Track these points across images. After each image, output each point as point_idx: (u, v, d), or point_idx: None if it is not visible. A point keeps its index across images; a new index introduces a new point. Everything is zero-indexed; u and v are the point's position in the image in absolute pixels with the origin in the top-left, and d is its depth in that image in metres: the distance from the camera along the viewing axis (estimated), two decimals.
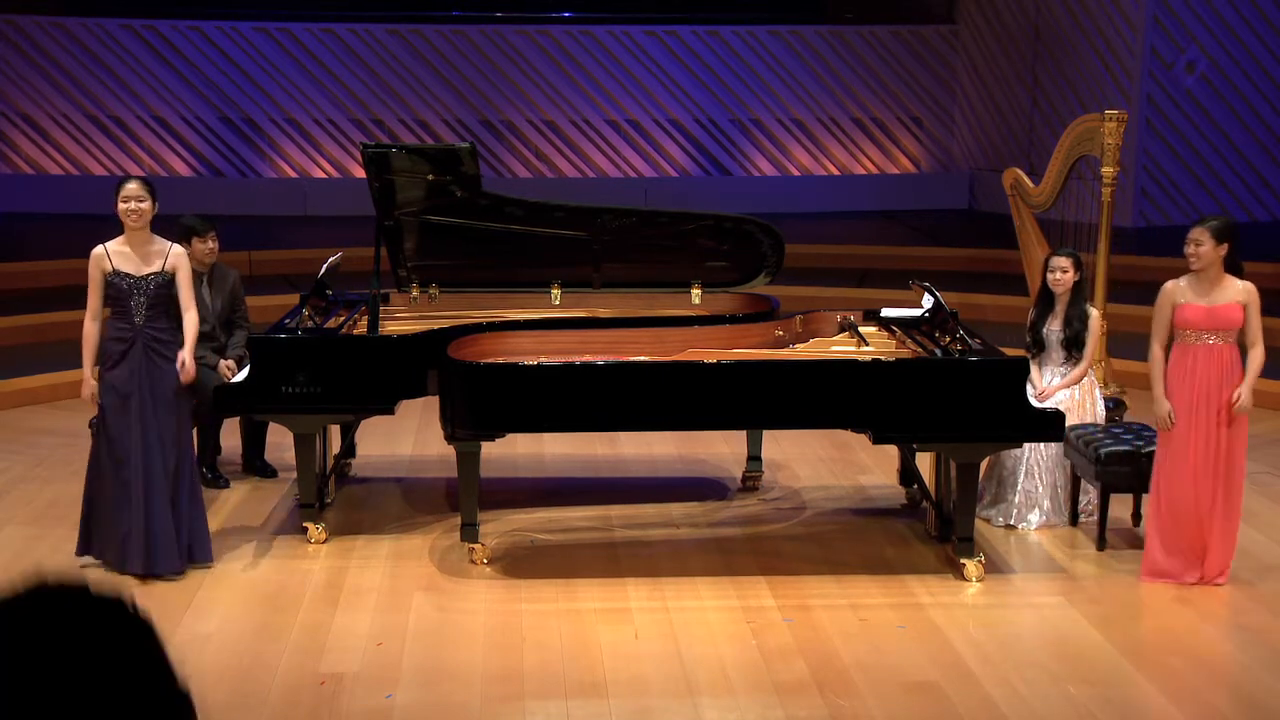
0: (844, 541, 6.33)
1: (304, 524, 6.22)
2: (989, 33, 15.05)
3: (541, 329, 6.48)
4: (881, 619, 5.41)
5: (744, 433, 7.08)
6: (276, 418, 6.44)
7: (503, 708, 4.66)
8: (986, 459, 6.24)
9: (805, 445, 7.72)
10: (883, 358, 5.92)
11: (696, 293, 6.96)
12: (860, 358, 5.97)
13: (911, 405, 5.69)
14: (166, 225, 6.72)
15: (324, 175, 14.87)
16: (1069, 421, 6.22)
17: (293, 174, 14.86)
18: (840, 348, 6.39)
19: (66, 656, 1.23)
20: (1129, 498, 6.40)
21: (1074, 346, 6.54)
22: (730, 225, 6.85)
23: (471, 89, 14.92)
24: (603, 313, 6.91)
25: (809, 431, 7.61)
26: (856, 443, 7.42)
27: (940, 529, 6.25)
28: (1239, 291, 5.75)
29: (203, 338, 6.81)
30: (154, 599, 5.41)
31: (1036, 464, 6.47)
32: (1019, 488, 6.48)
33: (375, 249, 6.56)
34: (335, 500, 6.84)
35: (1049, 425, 5.74)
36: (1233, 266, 5.83)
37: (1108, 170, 7.66)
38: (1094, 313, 6.65)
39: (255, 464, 7.24)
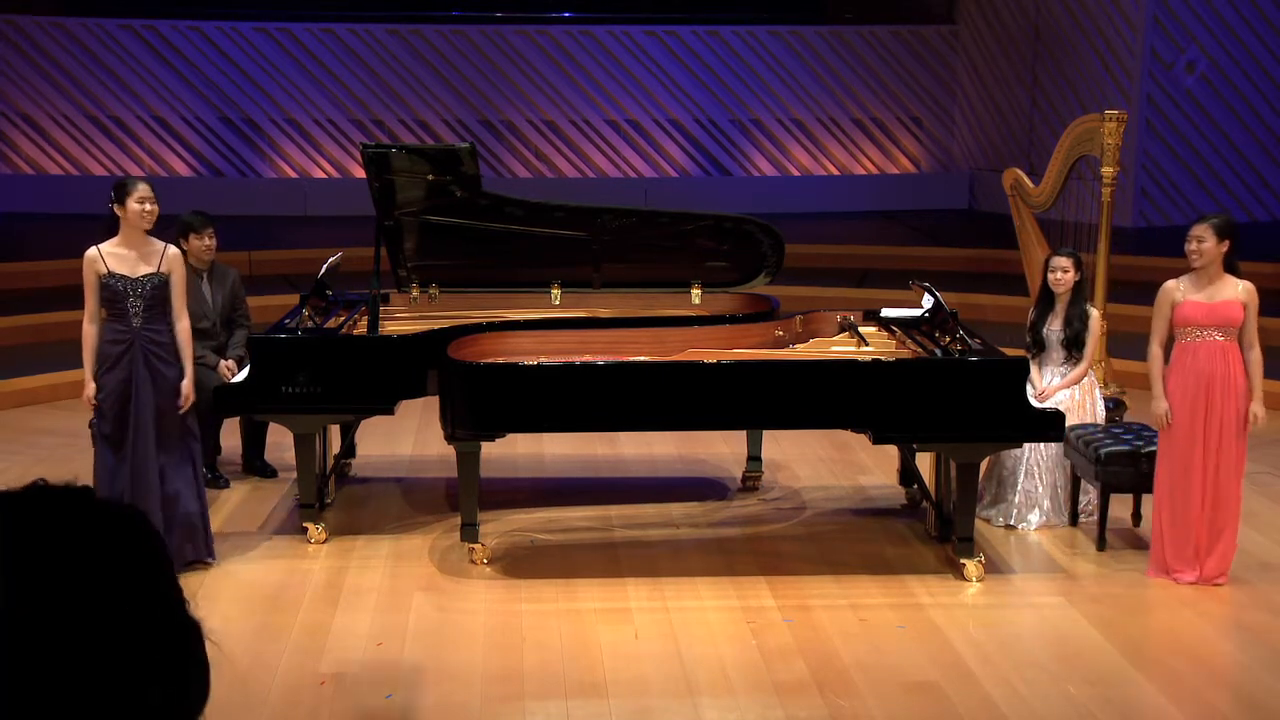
0: (844, 542, 6.33)
1: (304, 524, 6.22)
2: (989, 33, 15.05)
3: (541, 329, 6.48)
4: (881, 619, 5.41)
5: (744, 433, 7.08)
6: (276, 418, 6.44)
7: (503, 708, 4.66)
8: (986, 459, 6.24)
9: (805, 445, 7.73)
10: (883, 358, 5.92)
11: (696, 293, 6.96)
12: (860, 358, 5.97)
13: (911, 405, 5.69)
14: (167, 225, 6.73)
15: (324, 175, 14.88)
16: (1069, 421, 6.22)
17: (293, 174, 14.86)
18: (840, 348, 6.39)
19: (70, 550, 1.20)
20: (1129, 498, 6.40)
21: (1074, 346, 6.54)
22: (730, 225, 6.85)
23: (471, 89, 14.92)
24: (603, 313, 6.91)
25: (809, 432, 7.61)
26: (856, 443, 7.43)
27: (940, 529, 6.25)
28: (1239, 290, 5.76)
29: (203, 336, 6.82)
30: None
31: (1036, 464, 6.47)
32: (1019, 488, 6.48)
33: (375, 249, 6.57)
34: (335, 500, 6.84)
35: (1049, 425, 5.74)
36: (1231, 266, 5.83)
37: (1107, 170, 7.66)
38: (1094, 313, 6.65)
39: (255, 464, 7.24)
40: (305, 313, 6.47)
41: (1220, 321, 5.69)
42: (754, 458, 7.11)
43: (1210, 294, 5.73)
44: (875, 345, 6.34)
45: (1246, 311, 5.73)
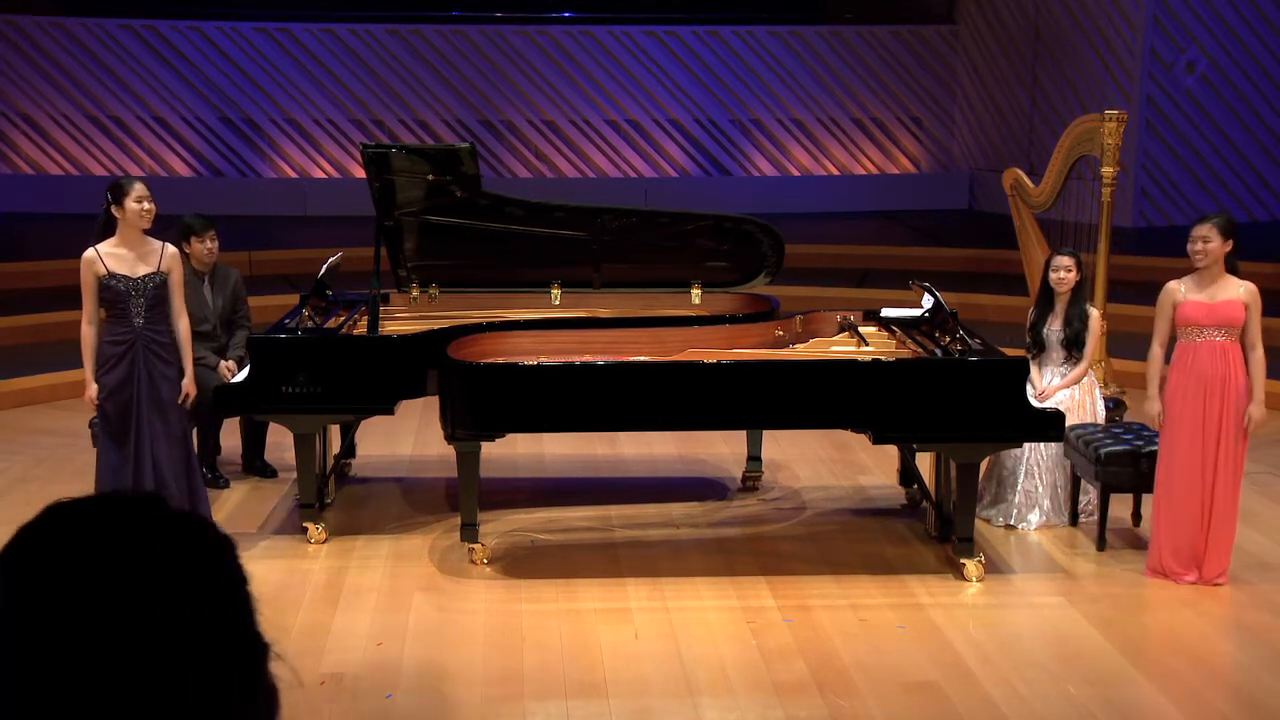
0: (844, 542, 6.33)
1: (304, 524, 6.22)
2: (989, 33, 15.05)
3: (541, 329, 6.48)
4: (881, 619, 5.41)
5: (744, 433, 7.08)
6: (276, 418, 6.44)
7: (503, 708, 4.66)
8: (986, 459, 6.24)
9: (805, 445, 7.72)
10: (883, 358, 5.92)
11: (696, 293, 6.96)
12: (860, 358, 5.96)
13: (911, 405, 5.69)
14: (167, 225, 6.72)
15: (324, 175, 14.88)
16: (1069, 421, 6.22)
17: (293, 174, 14.86)
18: (840, 348, 6.39)
19: (142, 560, 1.18)
20: (1129, 498, 6.40)
21: (1074, 346, 6.54)
22: (730, 225, 6.85)
23: (471, 89, 14.92)
24: (603, 313, 6.91)
25: (809, 432, 7.61)
26: (856, 443, 7.42)
27: (940, 529, 6.25)
28: (1241, 290, 5.75)
29: (203, 337, 6.83)
30: None
31: (1036, 464, 6.47)
32: (1019, 488, 6.48)
33: (375, 249, 6.57)
34: (335, 500, 6.84)
35: (1049, 425, 5.74)
36: (1231, 266, 5.83)
37: (1107, 170, 7.66)
38: (1094, 313, 6.65)
39: (255, 464, 7.24)
40: (305, 313, 6.47)
41: (1222, 321, 5.69)
42: (754, 458, 7.11)
43: (1212, 294, 5.73)
44: (875, 345, 6.34)
45: (1249, 312, 5.73)
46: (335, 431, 7.13)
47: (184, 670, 1.16)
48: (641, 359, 5.97)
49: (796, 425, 6.28)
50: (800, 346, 6.45)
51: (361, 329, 6.50)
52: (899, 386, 5.69)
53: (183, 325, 5.79)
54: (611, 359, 5.95)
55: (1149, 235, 12.67)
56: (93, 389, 5.72)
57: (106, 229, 5.75)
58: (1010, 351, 6.31)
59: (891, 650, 5.11)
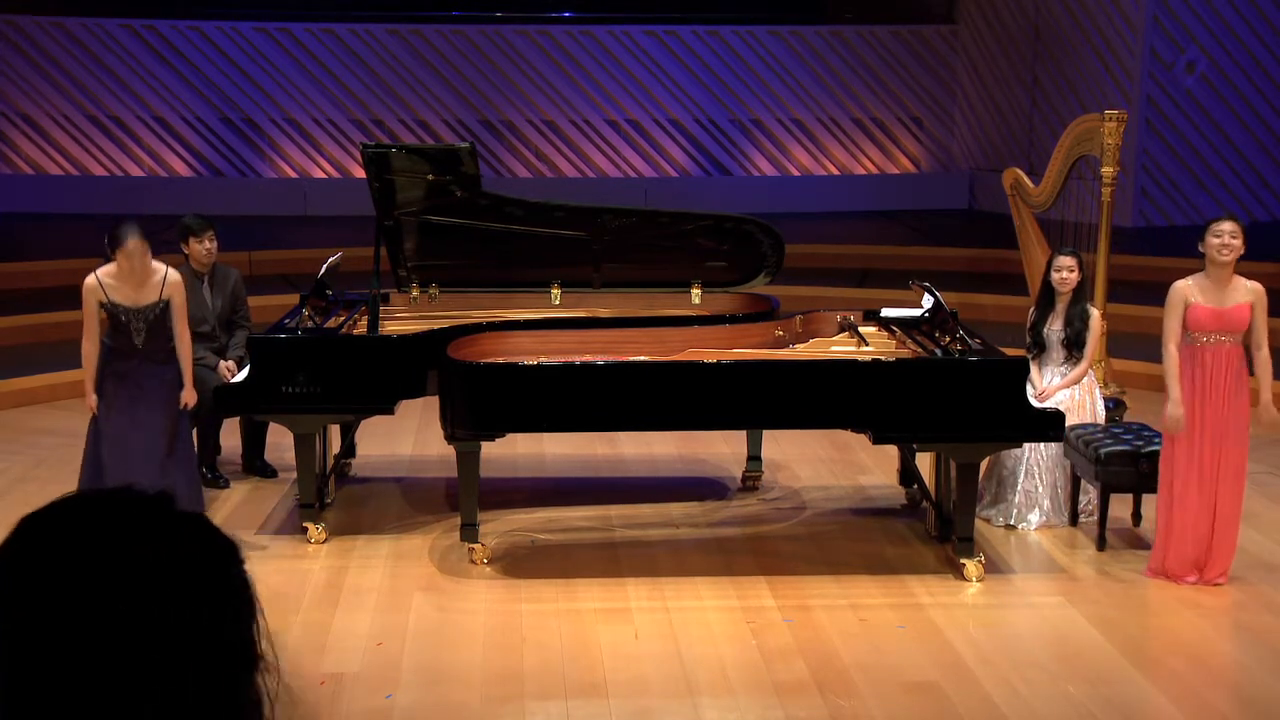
0: (844, 541, 6.33)
1: (304, 524, 6.22)
2: (989, 33, 15.05)
3: (541, 329, 6.48)
4: (881, 619, 5.41)
5: (744, 433, 7.07)
6: (276, 418, 6.44)
7: (503, 708, 4.66)
8: (986, 459, 6.24)
9: (805, 445, 7.72)
10: (883, 358, 5.92)
11: (696, 293, 6.96)
12: (860, 358, 5.96)
13: (911, 405, 5.69)
14: (167, 226, 6.73)
15: (324, 175, 14.87)
16: (1069, 421, 6.22)
17: (293, 174, 14.86)
18: (840, 348, 6.39)
19: (146, 555, 1.17)
20: (1129, 498, 6.40)
21: (1074, 346, 6.54)
22: (730, 225, 6.85)
23: (471, 89, 14.92)
24: (603, 313, 6.91)
25: (809, 431, 7.61)
26: (856, 443, 7.42)
27: (940, 529, 6.25)
28: (1248, 291, 5.74)
29: (203, 338, 6.83)
30: None
31: (1036, 464, 6.47)
32: (1019, 488, 6.48)
33: (375, 249, 6.57)
34: (335, 500, 6.84)
35: (1049, 425, 5.74)
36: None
37: (1107, 170, 7.66)
38: (1094, 313, 6.65)
39: (255, 464, 7.24)
40: (305, 313, 6.47)
41: (1229, 326, 5.68)
42: (754, 458, 7.10)
43: (1221, 299, 5.71)
44: (875, 345, 6.34)
45: (1254, 312, 5.71)
46: (335, 431, 7.13)
47: (180, 671, 1.15)
48: (641, 359, 5.97)
49: (796, 425, 6.29)
50: (800, 346, 6.45)
51: (361, 329, 6.50)
52: (899, 386, 5.69)
53: (185, 342, 5.85)
54: (611, 359, 5.95)
55: (1149, 235, 12.66)
56: (93, 399, 5.82)
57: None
58: (1010, 351, 6.31)
59: (891, 650, 5.11)
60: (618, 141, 15.20)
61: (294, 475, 6.57)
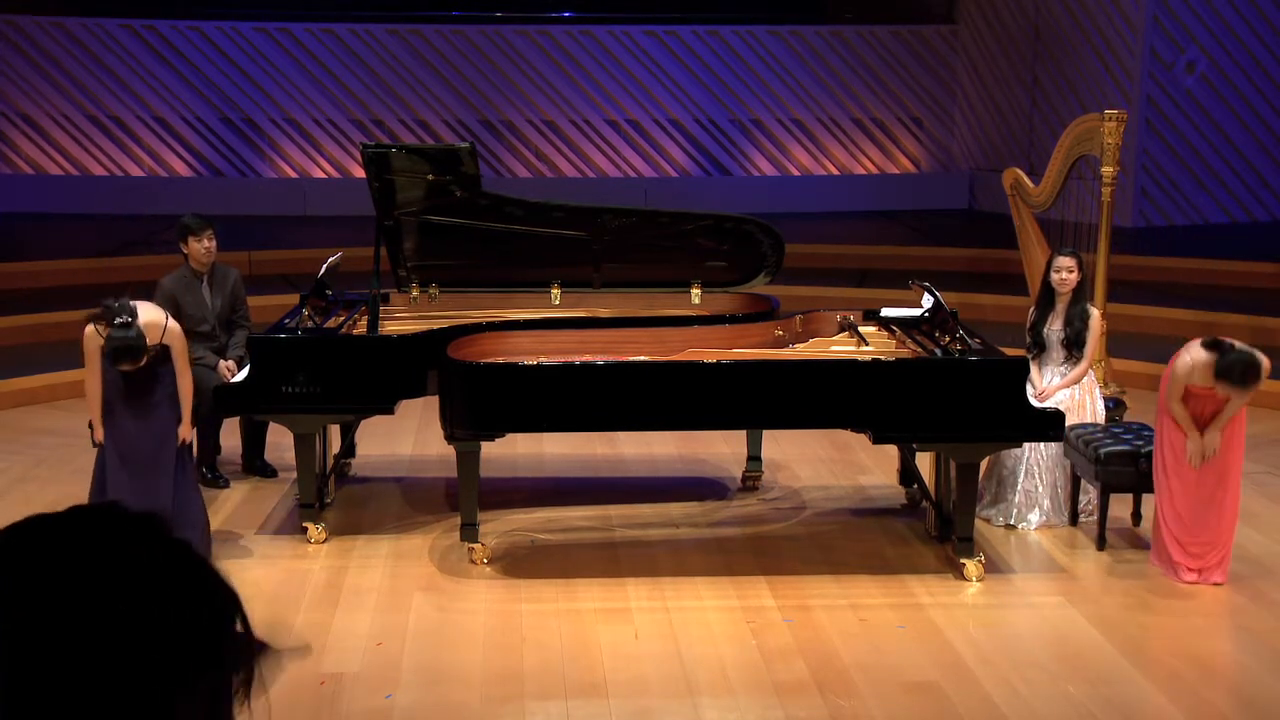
0: (844, 541, 6.33)
1: (304, 524, 6.22)
2: (989, 33, 15.05)
3: (541, 329, 6.48)
4: (881, 619, 5.41)
5: (744, 433, 7.07)
6: (276, 418, 6.44)
7: (502, 708, 4.66)
8: (986, 459, 6.24)
9: (805, 445, 7.72)
10: (882, 358, 5.92)
11: (696, 293, 6.96)
12: (860, 358, 5.97)
13: (911, 405, 5.69)
14: (167, 225, 6.73)
15: (324, 175, 14.87)
16: (1069, 421, 6.22)
17: (293, 174, 14.86)
18: (840, 348, 6.39)
19: (101, 574, 1.18)
20: (1129, 497, 6.40)
21: (1074, 346, 6.54)
22: (730, 225, 6.85)
23: (471, 89, 14.92)
24: (602, 313, 6.91)
25: (809, 431, 7.61)
26: (856, 443, 7.42)
27: (940, 529, 6.25)
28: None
29: (203, 338, 6.84)
30: None
31: (1036, 464, 6.47)
32: (1019, 487, 6.48)
33: (375, 249, 6.57)
34: (335, 500, 6.84)
35: (1049, 425, 5.74)
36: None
37: (1107, 170, 7.66)
38: (1095, 312, 6.65)
39: (255, 464, 7.24)
40: (305, 312, 6.47)
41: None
42: (754, 457, 7.10)
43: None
44: (875, 345, 6.34)
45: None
46: (335, 431, 7.13)
47: (144, 679, 1.16)
48: (641, 359, 5.97)
49: (796, 425, 6.29)
50: (800, 346, 6.45)
51: (361, 329, 6.50)
52: (899, 386, 5.69)
53: (186, 384, 5.82)
54: (611, 359, 5.95)
55: (1149, 235, 12.66)
56: (100, 433, 5.82)
57: None
58: (1010, 351, 6.31)
59: (891, 650, 5.11)
60: (618, 141, 15.20)
61: (294, 475, 6.57)
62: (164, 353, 5.78)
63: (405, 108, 14.84)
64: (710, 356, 5.94)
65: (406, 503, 6.88)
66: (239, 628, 1.23)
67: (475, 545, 5.96)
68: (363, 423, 7.30)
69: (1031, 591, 5.78)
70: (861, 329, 6.52)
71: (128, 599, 1.16)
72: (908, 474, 6.75)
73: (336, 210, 13.58)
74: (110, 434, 5.78)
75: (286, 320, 6.46)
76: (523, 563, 6.04)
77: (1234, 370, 5.54)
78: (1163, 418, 5.83)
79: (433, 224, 6.66)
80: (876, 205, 14.92)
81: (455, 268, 6.96)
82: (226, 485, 7.03)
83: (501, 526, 6.45)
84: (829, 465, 7.48)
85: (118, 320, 5.56)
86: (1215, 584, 5.75)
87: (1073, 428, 6.31)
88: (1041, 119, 14.27)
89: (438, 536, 6.32)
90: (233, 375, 6.54)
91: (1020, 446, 6.29)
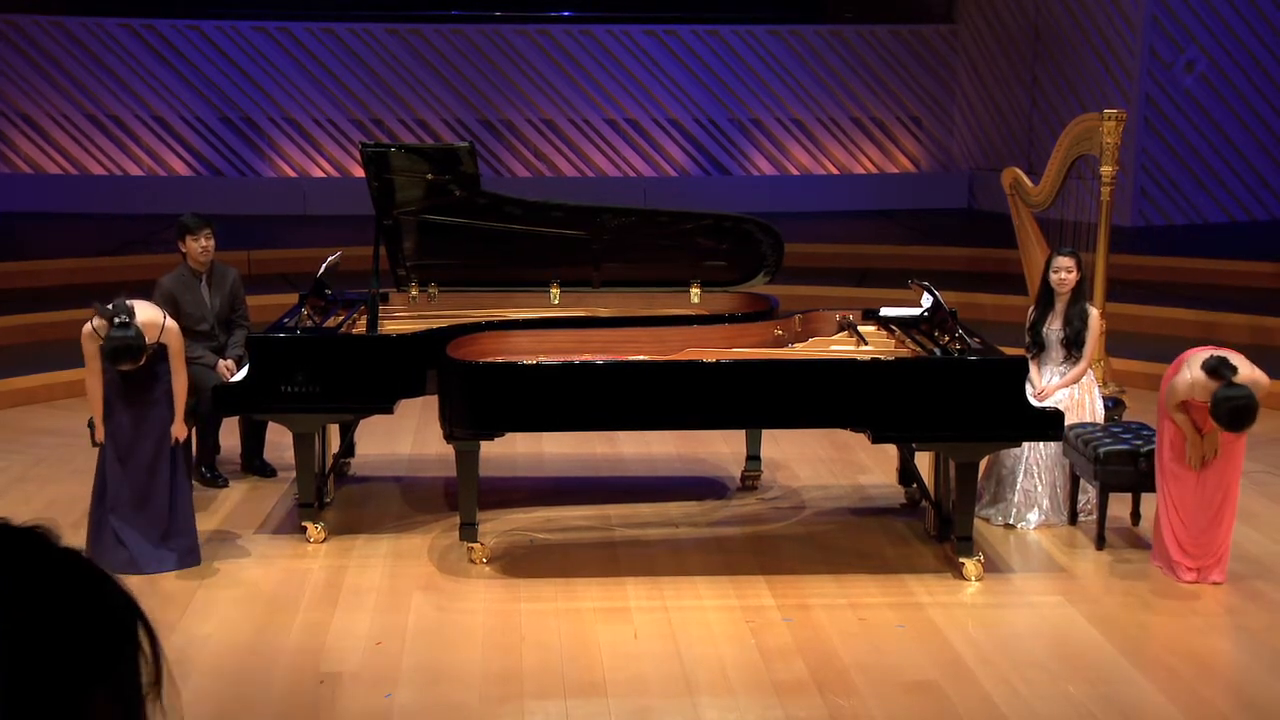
0: (843, 541, 6.33)
1: (303, 523, 6.22)
2: (988, 32, 15.05)
3: (540, 328, 6.48)
4: (881, 618, 5.41)
5: (743, 432, 7.07)
6: (276, 417, 6.43)
7: (502, 707, 4.66)
8: (986, 458, 6.24)
9: (804, 445, 7.72)
10: (882, 357, 5.92)
11: (695, 292, 6.96)
12: (859, 357, 5.97)
13: (910, 405, 5.69)
14: (166, 225, 6.72)
15: (323, 175, 14.87)
16: (1068, 421, 6.22)
17: (292, 174, 14.85)
18: (839, 347, 6.39)
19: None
20: (1128, 497, 6.41)
21: (1074, 346, 6.54)
22: (729, 225, 6.84)
23: (471, 89, 14.92)
24: (602, 312, 6.91)
25: (808, 431, 7.61)
26: (856, 442, 7.42)
27: (939, 528, 6.25)
28: (1253, 388, 5.67)
29: (202, 337, 6.84)
30: (153, 600, 5.41)
31: (1036, 463, 6.47)
32: (1018, 487, 6.48)
33: (374, 248, 6.57)
34: (334, 500, 6.84)
35: (1048, 424, 5.74)
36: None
37: (1107, 170, 7.66)
38: (1094, 312, 6.65)
39: (254, 463, 7.24)
40: (304, 312, 6.47)
41: None
42: (753, 457, 7.10)
43: None
44: (874, 344, 6.34)
45: None
46: (334, 431, 7.13)
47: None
48: (640, 358, 5.97)
49: (796, 424, 6.28)
50: (799, 346, 6.45)
51: (360, 328, 6.49)
52: (898, 386, 5.69)
53: (180, 384, 5.84)
54: (610, 358, 5.95)
55: (1148, 235, 12.66)
56: (101, 431, 5.83)
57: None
58: (1009, 351, 6.31)
59: (891, 650, 5.11)
60: (617, 141, 15.20)
61: (293, 474, 6.57)
62: (162, 351, 5.79)
63: (404, 107, 14.84)
64: (709, 356, 5.94)
65: (406, 502, 6.88)
66: (140, 630, 1.23)
67: (474, 545, 5.96)
68: (362, 422, 7.30)
69: (1031, 591, 5.78)
70: (861, 328, 6.52)
71: (21, 613, 1.16)
72: (907, 473, 6.75)
73: (336, 210, 13.58)
74: (109, 432, 5.79)
75: (285, 320, 6.46)
76: (522, 562, 6.04)
77: (1221, 414, 5.50)
78: (1163, 419, 5.83)
79: (432, 223, 6.66)
80: (876, 205, 14.92)
81: (454, 267, 6.95)
82: (225, 485, 7.03)
83: (501, 526, 6.45)
84: (828, 465, 7.48)
85: (116, 320, 5.56)
86: (1214, 583, 5.75)
87: (1072, 427, 6.31)
88: (1041, 118, 14.27)
89: (437, 536, 6.32)
90: (232, 375, 6.54)
91: (1019, 446, 6.29)
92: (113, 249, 11.76)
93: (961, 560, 5.80)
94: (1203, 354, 5.69)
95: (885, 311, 6.65)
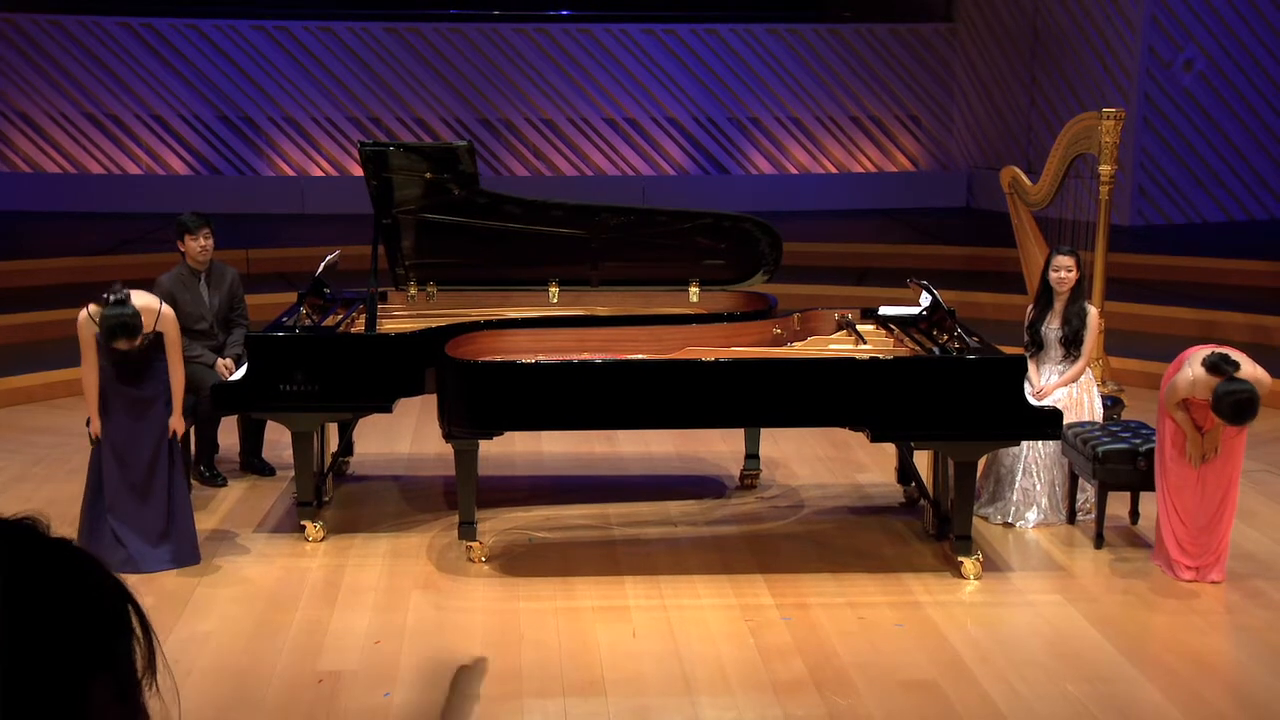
0: (842, 540, 6.33)
1: (302, 522, 6.22)
2: (987, 31, 15.05)
3: (539, 327, 6.48)
4: (879, 617, 5.41)
5: (742, 431, 7.07)
6: (274, 416, 6.43)
7: (501, 706, 4.66)
8: (984, 457, 6.24)
9: (803, 443, 7.72)
10: (880, 356, 5.92)
11: (694, 291, 6.96)
12: (858, 356, 5.97)
13: (909, 403, 5.69)
14: (165, 224, 6.71)
15: (322, 174, 14.87)
16: (1067, 419, 6.22)
17: (291, 172, 14.85)
18: (838, 346, 6.39)
19: None
20: (1127, 496, 6.41)
21: (1072, 345, 6.54)
22: (728, 224, 6.84)
23: (470, 87, 14.91)
24: (600, 311, 6.91)
25: (807, 430, 7.61)
26: (854, 441, 7.42)
27: (938, 527, 6.25)
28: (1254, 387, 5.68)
29: (201, 336, 6.84)
30: (152, 598, 5.41)
31: (1034, 462, 6.47)
32: (1017, 486, 6.49)
33: (373, 247, 6.56)
34: (333, 498, 6.84)
35: (1047, 423, 5.74)
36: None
37: (1105, 169, 7.65)
38: (1092, 311, 6.65)
39: (253, 462, 7.24)
40: (303, 311, 6.47)
41: None
42: (752, 456, 7.10)
43: None
44: (873, 343, 6.33)
45: None
46: (333, 430, 7.12)
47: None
48: (639, 357, 5.97)
49: (794, 423, 6.28)
50: (798, 345, 6.45)
51: (359, 327, 6.49)
52: (897, 384, 5.69)
53: (178, 376, 5.85)
54: (609, 357, 5.95)
55: (1147, 234, 12.66)
56: (97, 425, 5.83)
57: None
58: (1008, 349, 6.31)
59: (889, 648, 5.11)
60: (616, 140, 15.20)
61: (292, 473, 6.57)
62: (158, 342, 5.77)
63: (403, 106, 14.84)
64: (708, 355, 5.94)
65: (404, 501, 6.88)
66: (133, 615, 1.23)
67: (473, 544, 5.96)
68: (361, 421, 7.30)
69: (1029, 590, 5.78)
70: (859, 327, 6.52)
71: (16, 604, 1.16)
72: (906, 472, 6.75)
73: (334, 209, 13.59)
74: (106, 431, 5.79)
75: (284, 318, 6.45)
76: (521, 561, 6.04)
77: (1224, 409, 5.51)
78: (1163, 417, 5.83)
79: (431, 222, 6.66)
80: (875, 204, 14.93)
81: (453, 266, 6.95)
82: (224, 484, 7.03)
83: (499, 525, 6.45)
84: (827, 463, 7.48)
85: (113, 299, 5.55)
86: (1213, 582, 5.75)
87: (1070, 426, 6.32)
88: (1039, 117, 14.27)
89: (436, 535, 6.32)
90: (230, 374, 6.54)
91: (1018, 445, 6.29)
92: (111, 248, 11.76)
93: (960, 559, 5.80)
94: (1203, 351, 5.69)
95: (884, 310, 6.65)
